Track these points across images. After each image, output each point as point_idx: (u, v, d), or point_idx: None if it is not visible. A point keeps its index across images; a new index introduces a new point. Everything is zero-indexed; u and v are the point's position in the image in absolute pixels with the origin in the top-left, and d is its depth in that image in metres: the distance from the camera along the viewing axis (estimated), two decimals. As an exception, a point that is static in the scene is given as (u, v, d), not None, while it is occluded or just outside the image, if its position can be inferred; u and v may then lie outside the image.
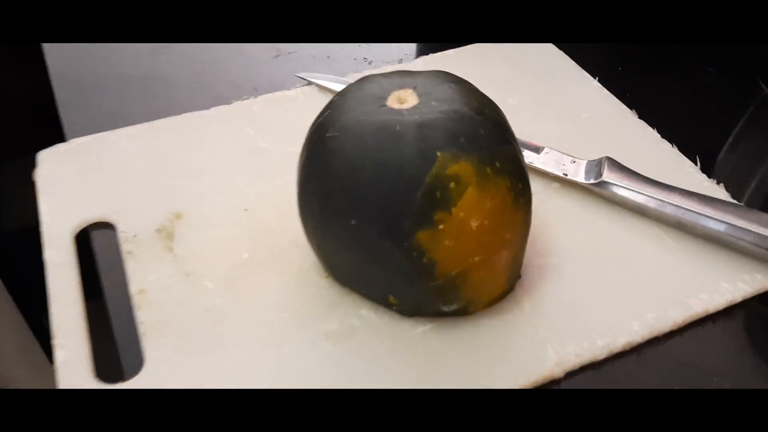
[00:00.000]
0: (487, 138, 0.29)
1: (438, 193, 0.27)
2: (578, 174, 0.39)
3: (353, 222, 0.28)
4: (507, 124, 0.31)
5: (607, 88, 0.47)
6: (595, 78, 0.48)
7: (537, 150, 0.40)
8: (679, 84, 0.49)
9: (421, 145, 0.27)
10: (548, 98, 0.46)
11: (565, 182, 0.39)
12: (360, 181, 0.28)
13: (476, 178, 0.28)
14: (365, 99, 0.30)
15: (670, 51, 0.52)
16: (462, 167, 0.27)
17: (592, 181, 0.38)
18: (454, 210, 0.27)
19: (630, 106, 0.45)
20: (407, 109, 0.29)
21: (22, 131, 0.65)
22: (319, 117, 0.31)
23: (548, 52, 0.50)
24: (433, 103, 0.29)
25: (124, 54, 0.49)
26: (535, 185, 0.39)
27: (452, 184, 0.27)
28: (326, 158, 0.29)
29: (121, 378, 0.30)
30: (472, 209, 0.28)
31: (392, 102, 0.29)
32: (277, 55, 0.50)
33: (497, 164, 0.28)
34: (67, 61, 0.49)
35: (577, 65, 0.49)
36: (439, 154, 0.27)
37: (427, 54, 0.49)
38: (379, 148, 0.28)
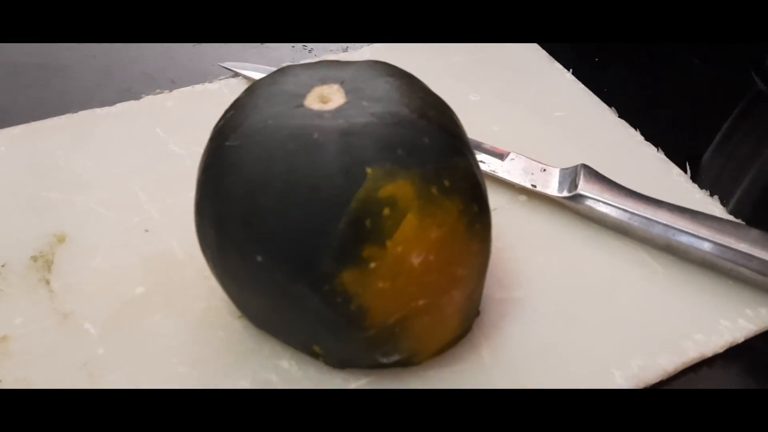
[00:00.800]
0: (433, 148, 0.22)
1: (368, 222, 0.21)
2: (549, 185, 0.32)
3: (258, 258, 0.22)
4: (460, 129, 0.25)
5: (583, 82, 0.41)
6: (569, 70, 0.41)
7: (501, 156, 0.34)
8: (663, 78, 0.43)
9: (345, 159, 0.21)
10: (516, 94, 0.40)
11: (533, 195, 0.33)
12: (264, 204, 0.21)
13: (418, 201, 0.21)
14: (278, 97, 0.23)
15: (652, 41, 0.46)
16: (399, 187, 0.21)
17: (565, 193, 0.32)
18: (389, 243, 0.21)
19: (609, 103, 0.39)
20: (330, 111, 0.22)
21: None
22: (220, 120, 0.24)
23: (539, 57, 0.44)
24: (363, 102, 0.23)
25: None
26: (498, 199, 0.33)
27: (386, 210, 0.21)
28: (223, 174, 0.22)
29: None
30: (412, 242, 0.21)
31: (312, 101, 0.23)
32: (196, 47, 0.42)
33: (446, 182, 0.22)
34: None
35: (548, 56, 0.43)
36: (369, 170, 0.21)
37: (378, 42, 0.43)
38: (290, 162, 0.21)
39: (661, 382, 0.27)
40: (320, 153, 0.21)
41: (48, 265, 0.29)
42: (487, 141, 0.35)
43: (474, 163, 0.24)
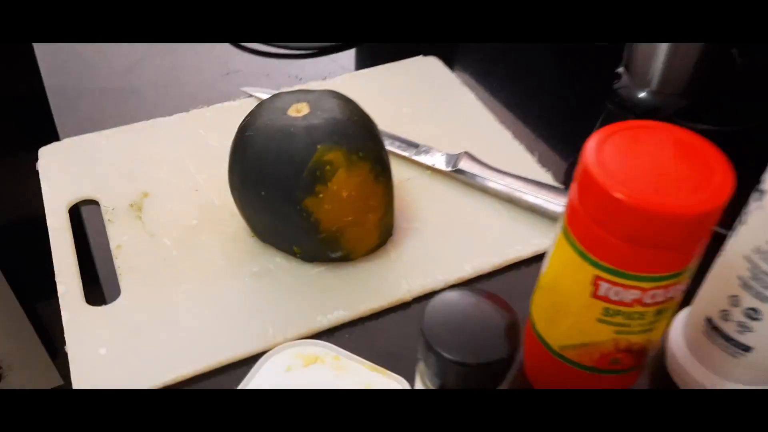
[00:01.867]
0: (354, 136, 0.42)
1: (318, 173, 0.41)
2: (443, 164, 0.52)
3: (263, 193, 0.42)
4: (373, 127, 0.45)
5: (483, 98, 0.60)
6: (473, 92, 0.61)
7: (416, 146, 0.54)
8: (545, 94, 0.63)
9: (307, 140, 0.41)
10: (434, 107, 0.59)
11: (434, 170, 0.53)
12: (266, 164, 0.41)
13: (345, 162, 0.41)
14: (273, 109, 0.43)
15: (548, 64, 0.66)
16: (335, 155, 0.41)
17: (451, 168, 0.51)
18: (329, 184, 0.41)
19: (498, 113, 0.59)
20: (300, 116, 0.42)
21: (21, 132, 0.77)
22: (243, 121, 0.44)
23: (439, 71, 0.64)
24: (318, 112, 0.42)
25: (104, 71, 0.62)
26: (411, 172, 0.53)
27: (328, 167, 0.41)
28: (245, 149, 0.42)
29: (104, 303, 0.43)
30: (342, 184, 0.41)
31: (291, 111, 0.43)
32: (227, 73, 0.63)
33: (360, 154, 0.42)
34: (59, 75, 0.61)
35: (458, 80, 0.63)
36: (319, 146, 0.41)
37: (352, 70, 0.63)
38: (279, 142, 0.41)
39: (492, 273, 0.46)
40: (294, 138, 0.41)
41: (139, 209, 0.49)
42: (408, 137, 0.54)
43: (381, 146, 0.44)
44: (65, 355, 0.41)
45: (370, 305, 0.43)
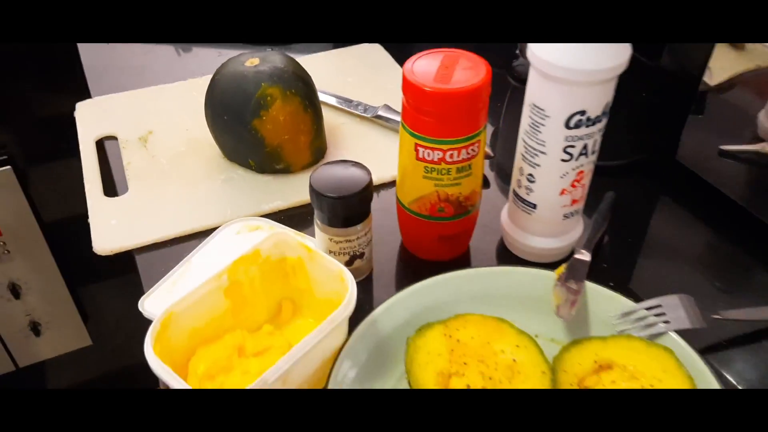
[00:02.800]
0: (289, 79, 0.61)
1: (262, 102, 0.59)
2: (369, 113, 0.70)
3: (225, 117, 0.61)
4: (306, 76, 0.63)
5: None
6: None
7: (350, 101, 0.72)
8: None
9: (255, 80, 0.60)
10: (370, 78, 0.78)
11: (363, 117, 0.71)
12: (226, 97, 0.60)
13: (281, 95, 0.60)
14: (235, 62, 0.62)
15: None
16: (274, 90, 0.60)
17: (372, 115, 0.70)
18: (270, 110, 0.60)
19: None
20: (252, 66, 0.61)
21: (62, 92, 0.98)
22: (215, 71, 0.64)
23: (380, 53, 0.82)
24: (266, 63, 0.61)
25: (126, 50, 0.83)
26: (345, 119, 0.71)
27: (269, 98, 0.59)
28: (214, 89, 0.61)
29: (116, 195, 0.62)
30: (279, 110, 0.60)
31: (247, 63, 0.62)
32: (219, 55, 0.82)
33: (293, 90, 0.60)
34: (95, 58, 0.82)
35: (392, 59, 0.81)
36: (263, 84, 0.60)
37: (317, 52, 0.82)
38: (236, 82, 0.60)
39: (392, 182, 0.64)
40: (246, 78, 0.60)
41: (145, 141, 0.68)
42: (347, 96, 0.73)
43: (311, 88, 0.63)
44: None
45: (299, 199, 0.61)
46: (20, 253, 1.22)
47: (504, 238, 0.57)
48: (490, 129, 0.73)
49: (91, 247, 0.57)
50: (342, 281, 0.45)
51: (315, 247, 0.48)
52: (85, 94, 0.76)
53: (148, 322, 0.43)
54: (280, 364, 0.40)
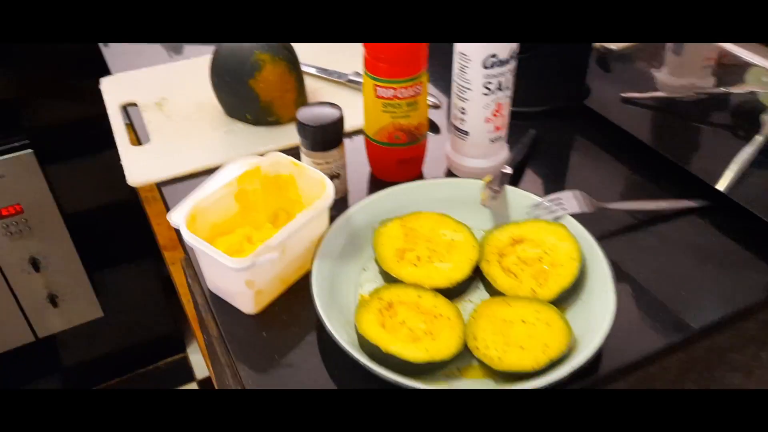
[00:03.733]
0: (277, 48, 0.77)
1: (255, 65, 0.75)
2: (341, 78, 0.87)
3: (227, 79, 0.76)
4: (291, 47, 0.79)
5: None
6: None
7: (327, 70, 0.88)
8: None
9: (250, 48, 0.76)
10: (343, 50, 0.94)
11: (337, 82, 0.87)
12: (227, 62, 0.76)
13: (271, 60, 0.76)
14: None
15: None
16: (265, 56, 0.76)
17: (345, 80, 0.86)
18: (262, 72, 0.76)
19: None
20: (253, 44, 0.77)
21: (87, 71, 1.13)
22: (213, 52, 0.80)
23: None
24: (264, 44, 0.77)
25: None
26: (323, 84, 0.87)
27: (261, 62, 0.75)
28: (217, 57, 0.77)
29: (140, 144, 0.78)
30: (269, 72, 0.76)
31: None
32: (216, 40, 0.98)
33: (280, 56, 0.77)
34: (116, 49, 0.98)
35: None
36: (255, 51, 0.76)
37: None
38: (234, 50, 0.76)
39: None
40: (243, 47, 0.76)
41: (161, 105, 0.84)
42: (324, 66, 0.89)
43: (294, 56, 0.79)
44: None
45: (287, 143, 0.77)
46: (40, 231, 1.37)
47: (448, 163, 0.73)
48: (442, 86, 0.89)
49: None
50: (323, 186, 0.61)
51: (302, 163, 0.64)
52: (105, 73, 0.91)
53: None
54: (280, 234, 0.56)
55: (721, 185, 0.66)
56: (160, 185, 0.73)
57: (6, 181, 1.26)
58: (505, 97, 0.66)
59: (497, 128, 0.68)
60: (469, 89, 0.65)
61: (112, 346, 1.61)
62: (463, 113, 0.67)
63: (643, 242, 0.65)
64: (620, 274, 0.61)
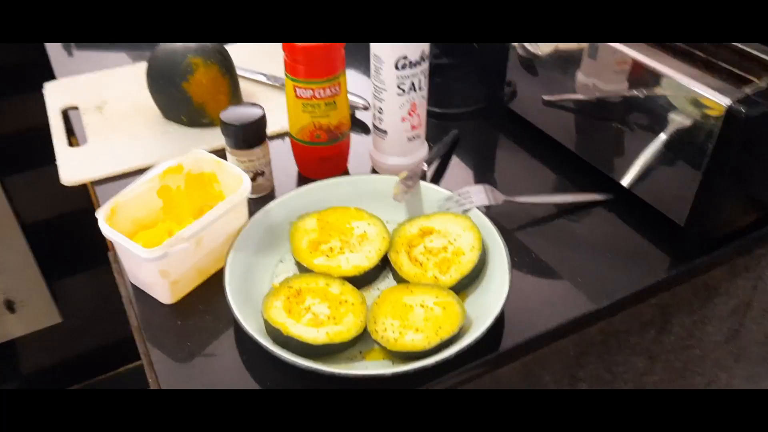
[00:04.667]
0: (209, 52, 0.80)
1: (188, 68, 0.78)
2: (277, 81, 0.90)
3: (160, 81, 0.79)
4: (225, 51, 0.83)
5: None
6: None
7: (264, 74, 0.92)
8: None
9: (183, 52, 0.79)
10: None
11: (273, 86, 0.90)
12: (161, 65, 0.79)
13: (203, 64, 0.79)
14: (168, 44, 0.81)
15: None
16: (197, 61, 0.79)
17: (280, 84, 0.89)
18: (195, 75, 0.79)
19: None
20: (181, 45, 0.80)
21: (29, 76, 1.15)
22: (153, 49, 0.83)
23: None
24: (193, 42, 0.81)
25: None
26: (260, 88, 0.91)
27: (193, 66, 0.79)
28: (152, 61, 0.80)
29: (78, 146, 0.80)
30: (202, 75, 0.79)
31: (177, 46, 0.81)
32: (161, 46, 1.01)
33: (212, 60, 0.80)
34: (57, 49, 1.00)
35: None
36: (188, 55, 0.79)
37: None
38: (169, 54, 0.79)
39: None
40: (177, 52, 0.79)
41: (101, 108, 0.87)
42: (262, 71, 0.92)
43: (229, 60, 0.82)
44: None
45: (220, 144, 0.80)
46: (-6, 236, 1.38)
47: (371, 161, 0.77)
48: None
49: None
50: (241, 181, 0.64)
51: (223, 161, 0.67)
52: (51, 77, 0.94)
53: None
54: (192, 226, 0.59)
55: (625, 180, 0.70)
56: (94, 184, 0.76)
57: (-41, 187, 1.28)
58: (419, 97, 0.70)
59: (413, 127, 0.72)
60: (384, 90, 0.69)
61: (71, 352, 1.61)
62: (380, 113, 0.71)
63: (550, 232, 0.69)
64: (524, 262, 0.65)
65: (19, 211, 1.36)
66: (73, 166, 0.77)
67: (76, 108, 0.88)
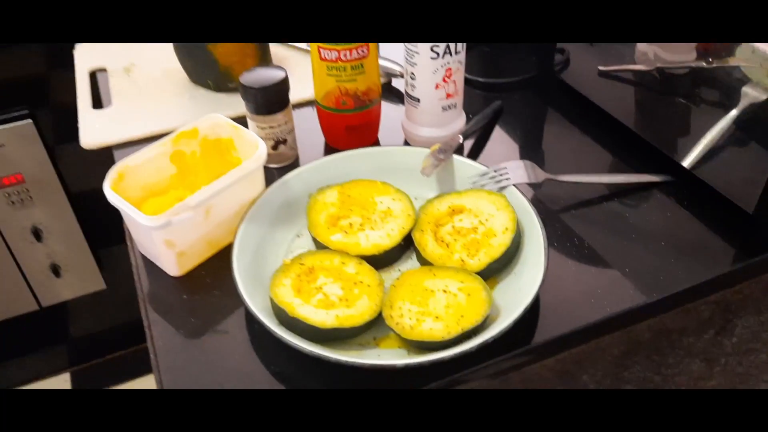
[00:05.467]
0: (237, 12, 0.75)
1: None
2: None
3: (188, 44, 0.75)
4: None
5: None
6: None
7: (299, 39, 0.87)
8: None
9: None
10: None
11: (306, 51, 0.85)
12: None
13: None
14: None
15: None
16: (224, 21, 0.74)
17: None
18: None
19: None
20: (209, 3, 0.76)
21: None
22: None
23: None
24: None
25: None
26: (292, 53, 0.86)
27: (220, 27, 0.74)
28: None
29: (102, 107, 0.77)
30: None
31: (205, 1, 0.77)
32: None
33: (240, 21, 0.75)
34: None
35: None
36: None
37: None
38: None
39: (327, 99, 0.78)
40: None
41: (129, 70, 0.84)
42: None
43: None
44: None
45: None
46: (42, 201, 1.39)
47: (404, 133, 0.71)
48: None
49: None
50: (257, 148, 0.59)
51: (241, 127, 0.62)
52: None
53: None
54: (200, 193, 0.54)
55: (687, 161, 0.62)
56: (113, 148, 0.72)
57: (6, 150, 1.29)
58: (455, 62, 0.63)
59: (449, 95, 0.65)
60: (416, 53, 0.63)
61: (116, 320, 1.63)
62: (412, 78, 0.65)
63: (598, 216, 0.61)
64: (565, 248, 0.58)
65: (66, 179, 1.37)
66: (96, 129, 0.74)
67: (104, 70, 0.85)
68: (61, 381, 1.55)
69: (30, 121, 1.27)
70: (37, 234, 1.42)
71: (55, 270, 1.48)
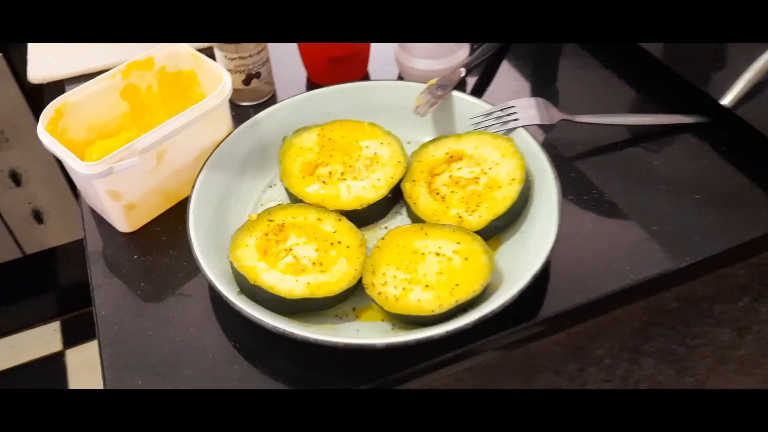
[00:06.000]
0: None
1: None
2: None
3: None
4: None
5: None
6: None
7: None
8: None
9: None
10: None
11: None
12: None
13: None
14: None
15: None
16: None
17: None
18: None
19: None
20: None
21: None
22: None
23: None
24: None
25: None
26: None
27: None
28: None
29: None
30: None
31: None
32: None
33: None
34: None
35: None
36: None
37: None
38: None
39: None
40: None
41: None
42: None
43: None
44: None
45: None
46: (18, 143, 1.31)
47: (397, 66, 0.61)
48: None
49: None
50: (221, 81, 0.50)
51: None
52: None
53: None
54: (148, 135, 0.46)
55: (726, 99, 0.53)
56: (65, 83, 0.63)
57: (-26, 88, 1.20)
58: (456, -19, 0.53)
59: (449, 20, 0.55)
60: (410, -32, 0.53)
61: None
62: None
63: (620, 164, 0.53)
64: (582, 201, 0.49)
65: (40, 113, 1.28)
66: (46, 61, 0.65)
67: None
68: (50, 330, 1.50)
69: (0, 54, 1.18)
70: (15, 178, 1.34)
71: (38, 216, 1.41)
